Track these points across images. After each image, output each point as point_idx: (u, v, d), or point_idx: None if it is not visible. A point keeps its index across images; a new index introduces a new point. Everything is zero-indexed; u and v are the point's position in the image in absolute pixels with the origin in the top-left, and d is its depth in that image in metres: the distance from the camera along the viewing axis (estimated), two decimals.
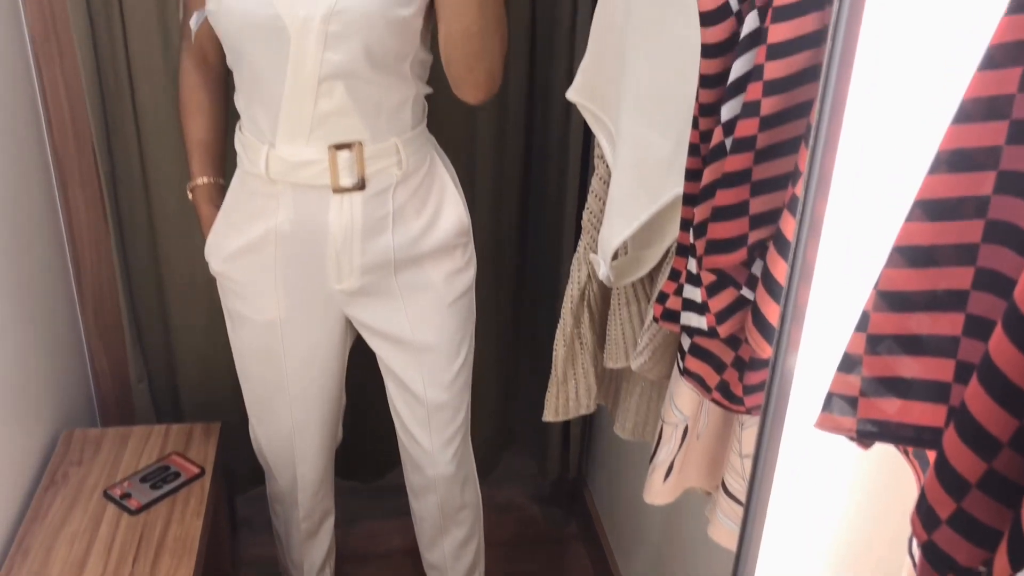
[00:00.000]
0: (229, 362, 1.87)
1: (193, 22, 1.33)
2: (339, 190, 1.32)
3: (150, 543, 1.44)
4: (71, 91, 1.65)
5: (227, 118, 1.48)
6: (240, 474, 1.99)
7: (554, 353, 1.45)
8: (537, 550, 2.11)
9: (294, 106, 1.26)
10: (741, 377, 0.94)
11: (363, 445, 2.01)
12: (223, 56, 1.39)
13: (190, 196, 1.48)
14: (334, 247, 1.37)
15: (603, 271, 1.25)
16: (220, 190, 1.46)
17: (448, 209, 1.43)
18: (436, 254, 1.44)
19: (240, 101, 1.35)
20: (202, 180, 1.46)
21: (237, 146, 1.39)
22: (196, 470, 1.60)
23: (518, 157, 1.86)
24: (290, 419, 1.56)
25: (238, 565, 1.98)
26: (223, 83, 1.46)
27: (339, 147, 1.30)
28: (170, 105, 1.66)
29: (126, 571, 1.38)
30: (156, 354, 1.90)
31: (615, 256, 1.31)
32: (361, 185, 1.33)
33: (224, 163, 1.50)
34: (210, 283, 1.82)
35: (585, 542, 2.12)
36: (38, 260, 1.64)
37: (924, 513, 0.57)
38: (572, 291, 1.42)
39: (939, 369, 0.63)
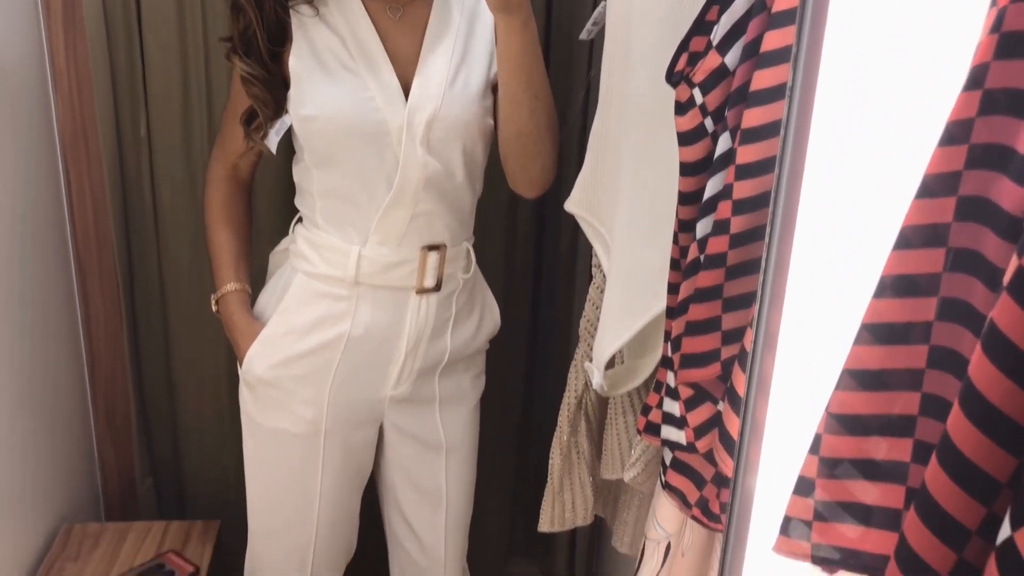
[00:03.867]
0: (235, 461, 1.88)
1: (275, 131, 1.34)
2: (421, 291, 1.35)
3: None
4: (95, 191, 1.72)
5: (252, 226, 1.50)
6: (242, 572, 1.97)
7: (550, 462, 1.44)
8: None
9: (395, 209, 1.30)
10: (719, 494, 0.93)
11: (369, 547, 1.98)
12: (255, 166, 1.45)
13: (215, 306, 1.44)
14: (404, 349, 1.38)
15: (596, 380, 1.25)
16: (248, 297, 1.44)
17: (488, 312, 1.50)
18: (473, 356, 1.50)
19: (318, 204, 1.34)
20: (233, 287, 1.42)
21: (301, 248, 1.36)
22: (191, 569, 1.59)
23: (527, 266, 1.88)
24: (312, 540, 1.49)
25: None
26: (250, 192, 1.49)
27: (429, 248, 1.33)
28: (188, 208, 1.72)
29: None
30: (163, 451, 1.91)
31: (610, 365, 1.32)
32: (438, 287, 1.36)
33: (251, 271, 1.50)
34: (218, 385, 1.85)
35: None
36: (54, 354, 1.67)
37: None
38: (569, 399, 1.42)
39: (897, 497, 0.62)
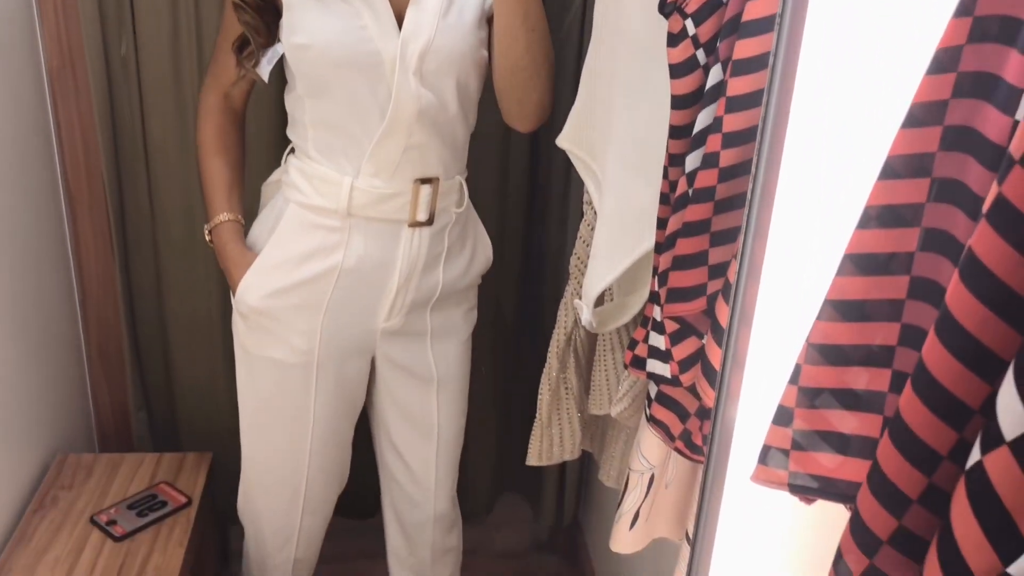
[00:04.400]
0: (228, 394, 1.90)
1: (267, 60, 1.32)
2: (414, 224, 1.35)
3: (131, 571, 1.45)
4: (84, 122, 1.70)
5: (245, 157, 1.49)
6: (234, 505, 1.99)
7: (539, 397, 1.45)
8: None
9: (388, 140, 1.29)
10: (702, 427, 0.94)
11: (357, 481, 2.01)
12: (248, 96, 1.43)
13: (208, 236, 1.44)
14: (396, 282, 1.39)
15: (586, 316, 1.26)
16: (241, 228, 1.44)
17: (480, 247, 1.51)
18: (465, 291, 1.51)
19: (310, 135, 1.33)
20: (226, 217, 1.41)
21: (294, 178, 1.36)
22: (183, 500, 1.61)
23: (520, 206, 1.88)
24: (305, 469, 1.52)
25: None
26: (243, 122, 1.48)
27: (422, 181, 1.33)
28: (178, 140, 1.70)
29: None
30: (156, 384, 1.92)
31: (600, 302, 1.32)
32: (430, 220, 1.36)
33: (243, 202, 1.49)
34: (210, 317, 1.86)
35: None
36: (44, 286, 1.67)
37: (840, 569, 0.57)
38: (559, 336, 1.43)
39: (874, 426, 0.63)
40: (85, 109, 1.69)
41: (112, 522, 1.54)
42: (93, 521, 1.54)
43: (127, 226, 1.79)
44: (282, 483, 1.53)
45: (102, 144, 1.69)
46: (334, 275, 1.36)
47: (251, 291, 1.38)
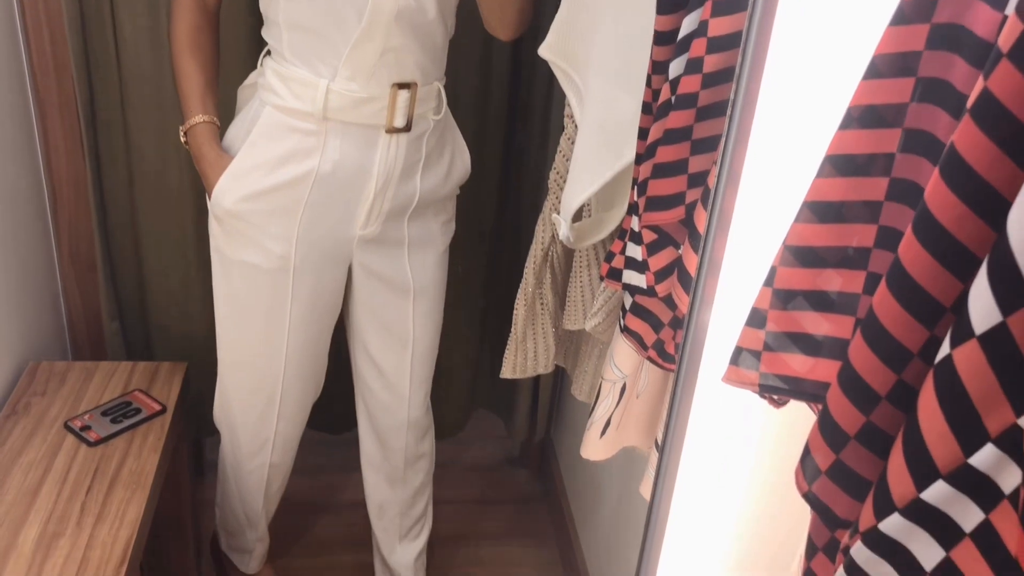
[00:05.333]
0: (203, 305, 1.89)
1: None
2: (391, 130, 1.34)
3: (105, 475, 1.46)
4: (52, 20, 1.65)
5: (219, 58, 1.46)
6: (208, 417, 2.00)
7: (515, 312, 1.45)
8: (500, 510, 2.13)
9: (366, 43, 1.26)
10: (675, 336, 0.95)
11: (333, 395, 2.02)
12: None
13: (183, 138, 1.41)
14: (373, 189, 1.37)
15: (564, 231, 1.25)
16: (218, 130, 1.42)
17: (459, 157, 1.50)
18: (443, 201, 1.50)
19: (285, 36, 1.31)
20: (202, 119, 1.39)
21: (270, 81, 1.34)
22: (158, 407, 1.62)
23: (500, 118, 1.85)
24: (281, 375, 1.52)
25: (200, 506, 2.00)
26: (217, 23, 1.44)
27: (400, 86, 1.31)
28: (150, 42, 1.66)
29: (78, 501, 1.40)
30: (130, 293, 1.91)
31: (578, 217, 1.32)
32: (408, 127, 1.35)
33: (218, 103, 1.46)
34: (184, 225, 1.84)
35: (548, 503, 2.14)
36: (14, 192, 1.64)
37: (807, 465, 0.58)
38: (535, 251, 1.43)
39: (847, 328, 0.63)
40: (54, 10, 1.63)
41: (86, 428, 1.54)
42: (67, 427, 1.54)
43: (98, 129, 1.75)
44: (258, 388, 1.54)
45: (71, 41, 1.64)
46: (310, 180, 1.35)
47: (226, 194, 1.36)
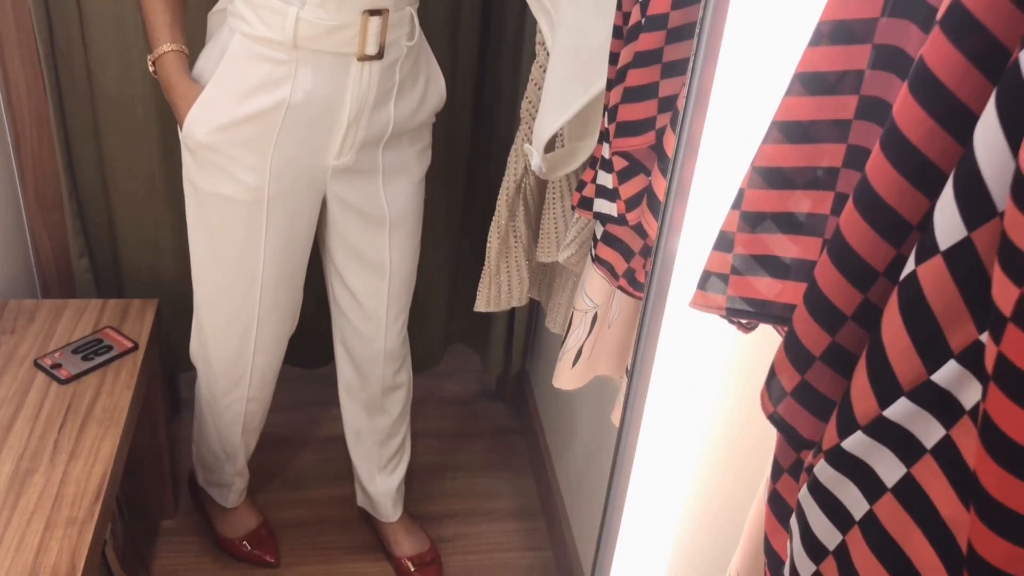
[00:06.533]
0: (173, 241, 1.87)
1: None
2: (363, 58, 1.31)
3: (78, 412, 1.45)
4: None
5: None
6: (182, 354, 2.00)
7: (488, 245, 1.45)
8: (476, 443, 2.15)
9: None
10: (646, 265, 0.94)
11: (310, 330, 2.02)
12: None
13: (151, 67, 1.38)
14: (346, 118, 1.35)
15: (535, 162, 1.24)
16: (186, 59, 1.38)
17: (433, 83, 1.47)
18: (419, 129, 1.48)
19: None
20: (170, 47, 1.35)
21: (239, 8, 1.30)
22: (129, 344, 1.60)
23: (472, 45, 1.82)
24: (256, 307, 1.51)
25: (177, 443, 2.00)
26: None
27: (371, 13, 1.28)
28: None
29: (51, 438, 1.39)
30: (98, 231, 1.88)
31: (550, 147, 1.30)
32: (380, 54, 1.32)
33: (186, 31, 1.41)
34: (151, 162, 1.80)
35: (524, 436, 2.16)
36: None
37: (772, 387, 0.58)
38: (508, 183, 1.41)
39: (814, 250, 0.63)
40: None
41: (57, 365, 1.53)
42: (37, 364, 1.53)
43: (59, 65, 1.70)
44: (233, 321, 1.53)
45: None
46: (281, 110, 1.32)
47: (198, 125, 1.34)
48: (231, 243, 1.44)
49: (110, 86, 1.71)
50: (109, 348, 1.59)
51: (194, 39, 1.41)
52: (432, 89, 1.46)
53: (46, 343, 1.60)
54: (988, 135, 0.41)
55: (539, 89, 1.36)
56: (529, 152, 1.27)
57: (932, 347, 0.45)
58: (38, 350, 1.58)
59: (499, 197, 1.42)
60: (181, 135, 1.37)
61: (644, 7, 0.83)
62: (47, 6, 1.63)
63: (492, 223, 1.44)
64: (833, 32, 0.56)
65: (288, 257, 1.48)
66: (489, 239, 1.44)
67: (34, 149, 1.77)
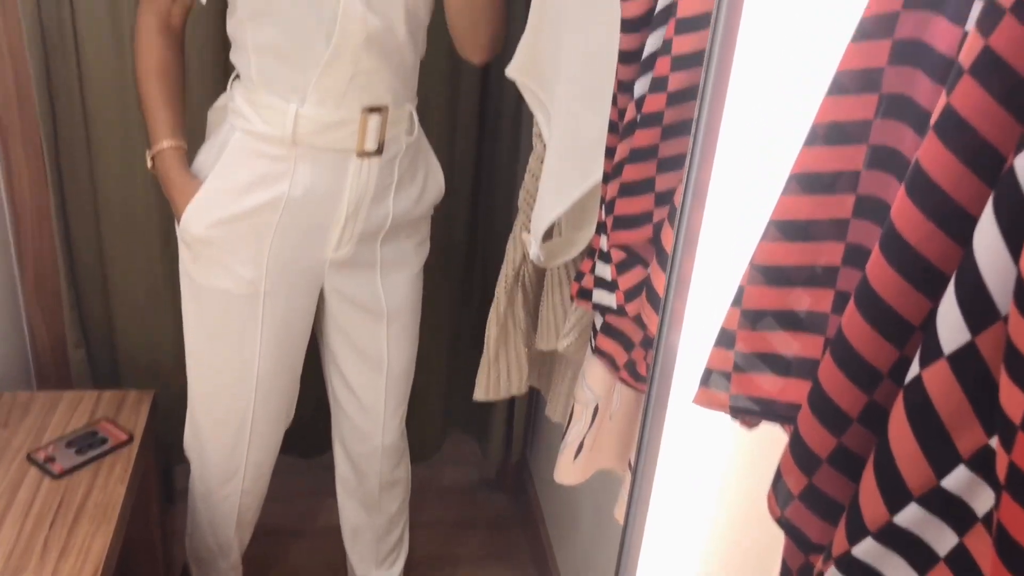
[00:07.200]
0: (170, 331, 1.86)
1: None
2: (362, 154, 1.32)
3: (70, 508, 1.42)
4: (13, 45, 1.62)
5: (185, 81, 1.43)
6: (178, 444, 1.97)
7: (487, 332, 1.44)
8: (475, 533, 2.11)
9: (335, 67, 1.25)
10: (646, 356, 0.94)
11: (306, 419, 2.00)
12: (186, 18, 1.38)
13: (150, 163, 1.39)
14: (345, 213, 1.36)
15: (534, 251, 1.24)
16: (185, 154, 1.39)
17: (432, 178, 1.48)
18: (417, 222, 1.49)
19: (254, 60, 1.29)
20: (169, 143, 1.37)
21: (239, 106, 1.32)
22: (124, 437, 1.58)
23: (471, 138, 1.85)
24: (251, 401, 1.49)
25: (171, 536, 1.96)
26: (183, 46, 1.42)
27: (370, 110, 1.29)
28: (114, 64, 1.64)
29: (42, 535, 1.36)
30: (95, 320, 1.88)
31: (548, 236, 1.31)
32: (380, 150, 1.33)
33: (186, 127, 1.43)
34: (150, 252, 1.81)
35: (524, 526, 2.12)
36: None
37: (779, 489, 0.57)
38: (507, 271, 1.41)
39: (816, 347, 0.63)
40: (12, 29, 1.61)
41: (50, 459, 1.50)
42: (30, 459, 1.51)
43: (61, 156, 1.72)
44: (228, 415, 1.51)
45: (33, 70, 1.62)
46: (280, 205, 1.33)
47: (196, 220, 1.34)
48: (226, 337, 1.44)
49: (112, 178, 1.73)
50: (104, 441, 1.57)
51: (195, 135, 1.43)
52: (431, 183, 1.48)
53: (40, 436, 1.58)
54: (987, 240, 0.41)
55: (536, 180, 1.37)
56: (527, 241, 1.27)
57: (940, 452, 0.45)
58: (31, 443, 1.55)
59: (498, 285, 1.42)
60: (178, 229, 1.37)
61: (639, 104, 0.84)
62: (51, 100, 1.66)
63: (491, 310, 1.43)
64: (828, 133, 0.56)
65: (284, 351, 1.47)
66: (488, 326, 1.44)
67: (34, 238, 1.78)
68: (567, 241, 1.31)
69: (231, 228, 1.35)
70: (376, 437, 1.60)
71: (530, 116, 1.77)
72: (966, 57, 0.44)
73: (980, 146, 0.44)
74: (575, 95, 1.14)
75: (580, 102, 1.13)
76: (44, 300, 1.84)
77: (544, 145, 1.33)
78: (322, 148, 1.31)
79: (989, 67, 0.42)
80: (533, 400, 2.07)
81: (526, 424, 2.10)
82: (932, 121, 0.46)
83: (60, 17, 1.60)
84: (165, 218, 1.76)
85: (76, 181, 1.74)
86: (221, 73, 1.61)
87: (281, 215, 1.34)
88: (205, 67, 1.62)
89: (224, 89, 1.40)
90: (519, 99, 1.76)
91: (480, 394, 1.48)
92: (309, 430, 2.01)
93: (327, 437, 1.70)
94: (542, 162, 1.36)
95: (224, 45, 1.40)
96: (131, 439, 1.58)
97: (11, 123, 1.68)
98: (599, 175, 1.09)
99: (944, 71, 0.50)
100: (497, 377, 1.46)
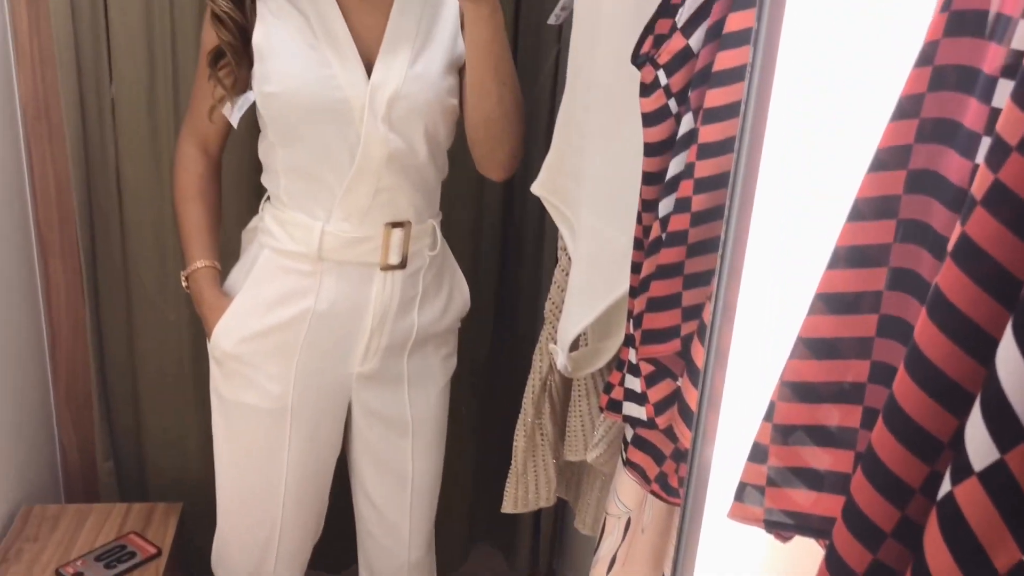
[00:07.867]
0: (198, 444, 1.88)
1: (239, 106, 1.34)
2: (386, 268, 1.37)
3: None
4: (58, 168, 1.70)
5: (221, 204, 1.49)
6: (206, 558, 1.96)
7: (514, 444, 1.45)
8: None
9: (358, 184, 1.31)
10: (678, 469, 0.95)
11: (333, 532, 1.98)
12: (223, 144, 1.44)
13: (184, 283, 1.44)
14: (370, 326, 1.39)
15: (561, 361, 1.26)
16: (218, 274, 1.44)
17: (457, 291, 1.52)
18: (443, 335, 1.51)
19: (282, 181, 1.36)
20: (203, 263, 1.42)
21: (268, 225, 1.38)
22: (153, 550, 1.59)
23: (494, 248, 1.89)
24: (279, 517, 1.49)
25: None
26: (219, 171, 1.48)
27: (393, 225, 1.34)
28: (152, 186, 1.71)
29: None
30: (125, 433, 1.90)
31: (575, 347, 1.33)
32: (403, 264, 1.37)
33: (219, 248, 1.48)
34: (181, 366, 1.85)
35: None
36: (13, 332, 1.65)
37: None
38: (534, 381, 1.43)
39: (847, 462, 0.64)
40: (59, 156, 1.69)
41: (79, 574, 1.51)
42: (59, 574, 1.51)
43: (99, 273, 1.78)
44: (255, 530, 1.51)
45: (75, 190, 1.69)
46: (306, 318, 1.36)
47: (225, 336, 1.38)
48: (254, 452, 1.45)
49: (146, 295, 1.78)
50: (133, 555, 1.57)
51: (229, 255, 1.48)
52: (456, 296, 1.51)
53: (69, 549, 1.59)
54: (1010, 363, 0.43)
55: (562, 291, 1.41)
56: (554, 351, 1.30)
57: (977, 569, 0.46)
58: (60, 558, 1.56)
59: (525, 395, 1.44)
60: (209, 346, 1.41)
61: (664, 223, 0.88)
62: (92, 219, 1.73)
63: (518, 421, 1.44)
64: (850, 256, 0.59)
65: (312, 466, 1.48)
66: (516, 438, 1.45)
67: (68, 352, 1.82)
68: (593, 351, 1.33)
69: (259, 343, 1.38)
70: (401, 554, 1.57)
71: (553, 228, 1.82)
72: (978, 189, 0.47)
73: (997, 271, 0.46)
74: (600, 213, 1.18)
75: (604, 219, 1.17)
76: (76, 413, 1.87)
77: (569, 258, 1.36)
78: (347, 262, 1.36)
79: (1000, 199, 0.45)
80: (560, 510, 2.06)
81: (552, 535, 2.07)
82: (949, 248, 0.48)
83: (103, 138, 1.68)
84: (196, 334, 1.80)
85: (111, 301, 1.79)
86: (256, 194, 1.67)
87: (308, 329, 1.37)
88: (241, 190, 1.69)
89: (256, 211, 1.45)
90: (542, 212, 1.81)
91: (508, 506, 1.48)
92: (337, 544, 2.00)
93: (353, 550, 1.68)
94: (567, 274, 1.40)
95: (257, 168, 1.47)
96: (159, 553, 1.59)
97: (51, 239, 1.74)
98: (625, 286, 1.12)
99: (957, 199, 0.53)
100: (525, 489, 1.46)
